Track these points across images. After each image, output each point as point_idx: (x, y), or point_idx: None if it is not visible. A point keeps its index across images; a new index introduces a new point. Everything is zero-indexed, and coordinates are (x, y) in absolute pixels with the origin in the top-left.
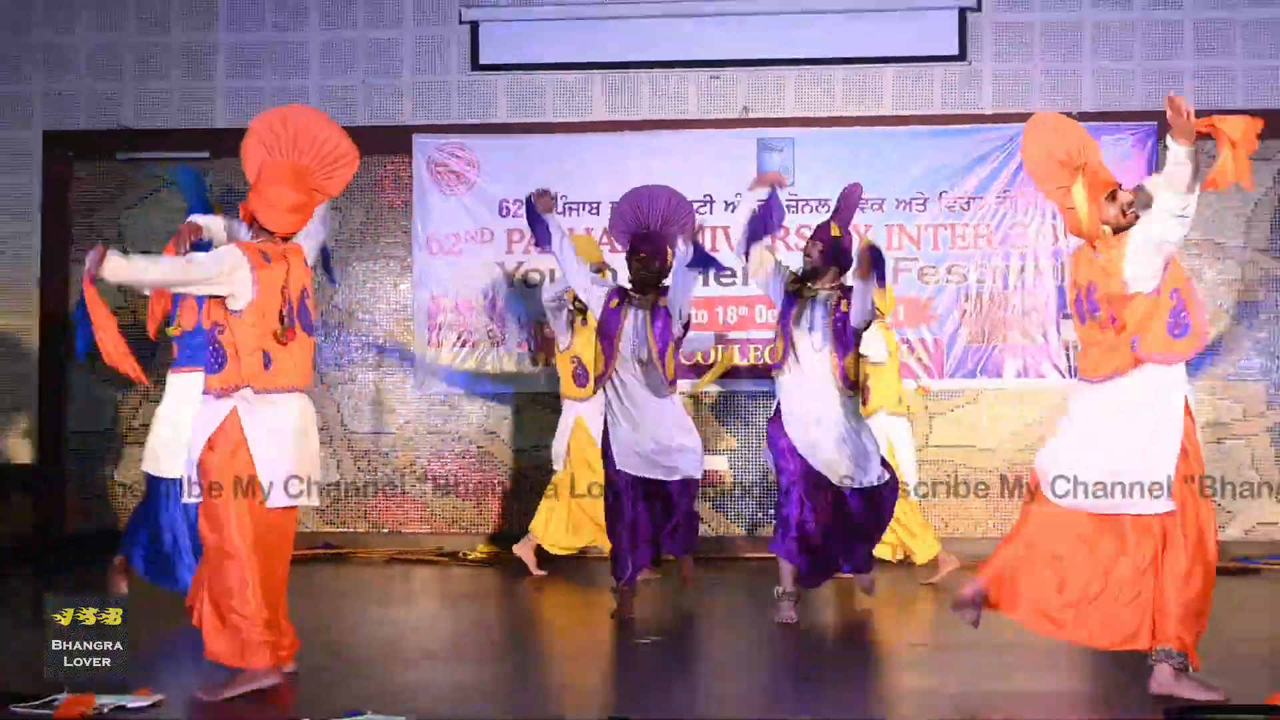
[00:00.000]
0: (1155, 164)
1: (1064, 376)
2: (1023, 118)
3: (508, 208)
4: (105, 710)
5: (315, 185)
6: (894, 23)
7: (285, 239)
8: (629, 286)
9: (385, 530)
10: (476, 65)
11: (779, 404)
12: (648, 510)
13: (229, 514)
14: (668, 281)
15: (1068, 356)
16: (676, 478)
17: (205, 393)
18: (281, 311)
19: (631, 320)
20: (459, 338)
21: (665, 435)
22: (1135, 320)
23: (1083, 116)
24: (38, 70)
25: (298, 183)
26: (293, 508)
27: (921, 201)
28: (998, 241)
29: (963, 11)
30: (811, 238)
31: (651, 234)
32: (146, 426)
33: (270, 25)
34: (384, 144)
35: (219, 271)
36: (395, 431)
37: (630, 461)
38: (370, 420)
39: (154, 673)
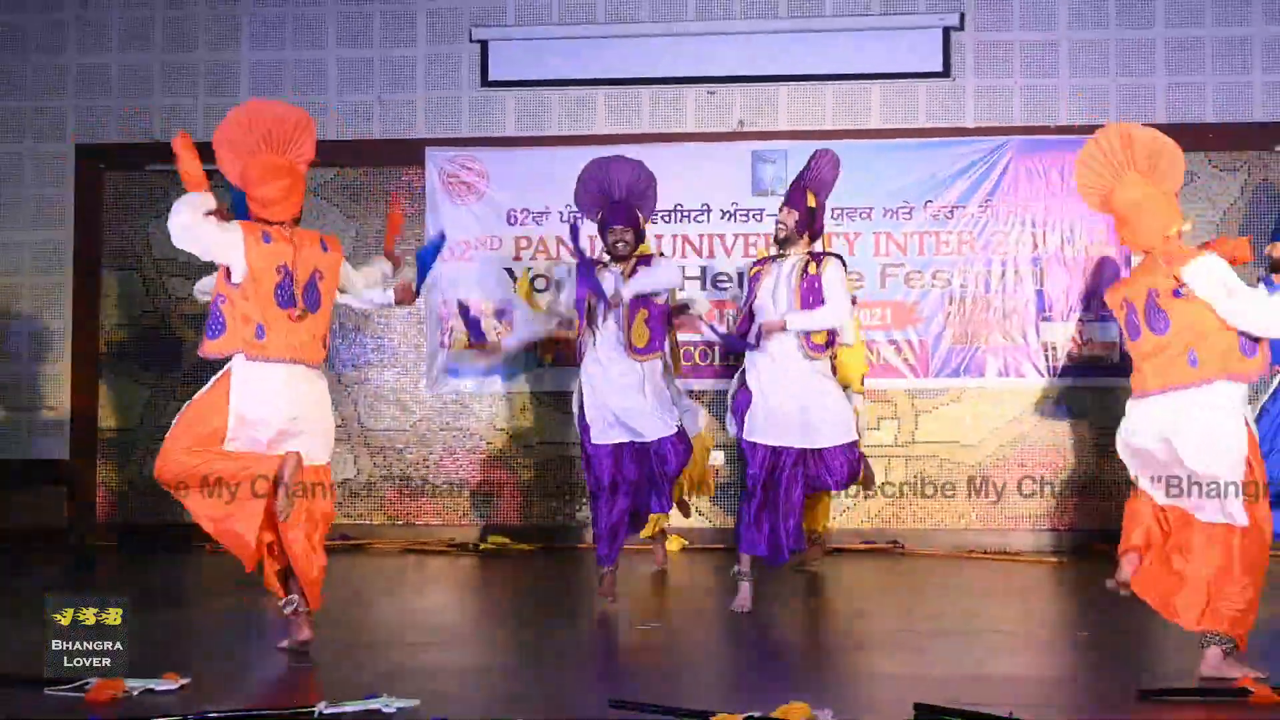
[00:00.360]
0: None
1: (1042, 376)
2: (1003, 131)
3: (515, 216)
4: (134, 694)
5: (292, 161)
6: (881, 41)
7: (296, 222)
8: (605, 258)
9: (400, 523)
10: (486, 81)
11: (742, 372)
12: (624, 487)
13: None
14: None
15: (1046, 357)
16: (642, 440)
17: (202, 354)
18: (277, 286)
19: (612, 282)
20: (470, 340)
21: (633, 396)
22: (1195, 326)
23: (1060, 130)
24: (72, 87)
25: (277, 173)
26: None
27: (908, 210)
28: (980, 248)
29: (946, 31)
30: (788, 204)
31: (620, 203)
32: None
33: (291, 44)
34: (398, 156)
35: (215, 240)
36: (409, 429)
37: (604, 430)
38: (385, 418)
39: (186, 657)
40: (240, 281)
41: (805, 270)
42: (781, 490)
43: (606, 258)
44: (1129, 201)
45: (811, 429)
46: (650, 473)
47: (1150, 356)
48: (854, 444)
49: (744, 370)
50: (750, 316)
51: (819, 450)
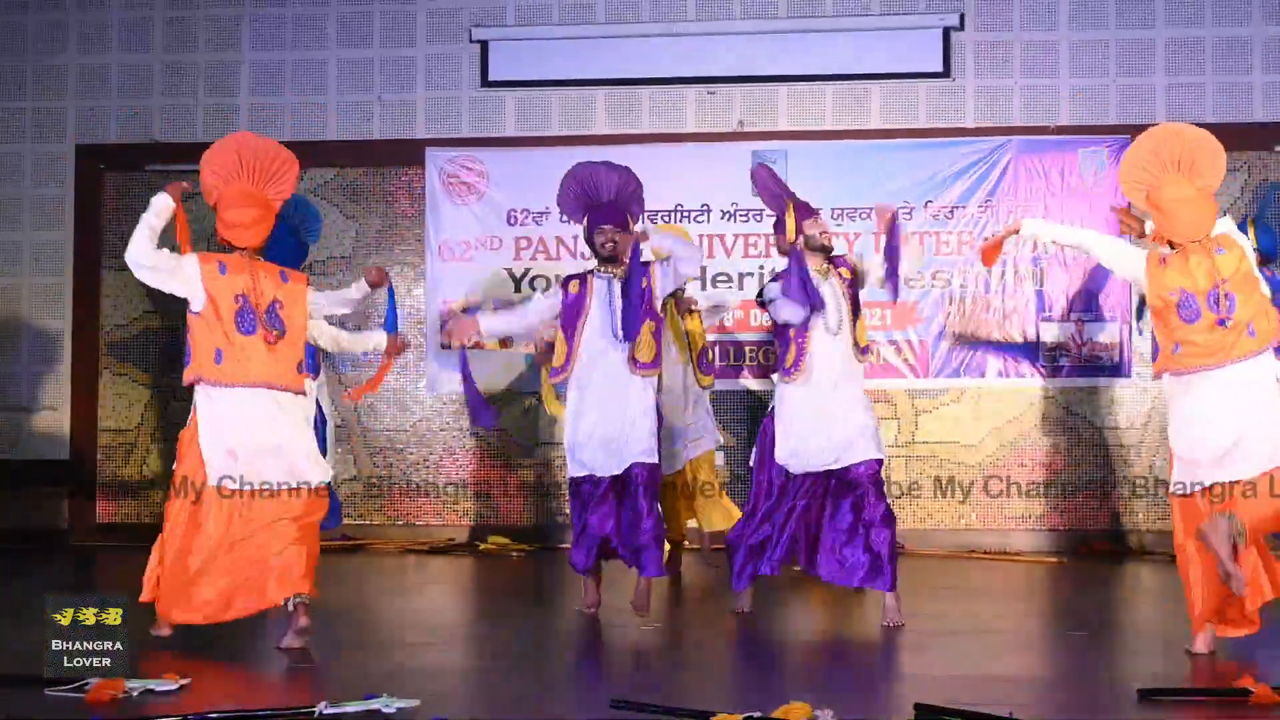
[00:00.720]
0: None
1: (1042, 376)
2: (1003, 131)
3: (515, 217)
4: (134, 694)
5: (269, 195)
6: (881, 41)
7: (257, 252)
8: (590, 267)
9: (400, 523)
10: (486, 82)
11: (774, 411)
12: (610, 516)
13: (174, 506)
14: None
15: (1046, 357)
16: (628, 464)
17: (184, 383)
18: (236, 313)
19: (601, 298)
20: (469, 340)
21: (627, 419)
22: (1253, 304)
23: (1060, 130)
24: (72, 87)
25: (250, 201)
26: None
27: (908, 210)
28: (980, 248)
29: (947, 31)
30: (818, 217)
31: (608, 204)
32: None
33: (291, 44)
34: (398, 156)
35: (172, 271)
36: (409, 429)
37: (594, 459)
38: (385, 418)
39: (186, 657)
40: (200, 310)
41: (840, 276)
42: (788, 517)
43: (593, 263)
44: (1173, 198)
45: (824, 453)
46: (628, 509)
47: (1213, 336)
48: (879, 460)
49: (774, 407)
50: (801, 341)
51: (847, 469)
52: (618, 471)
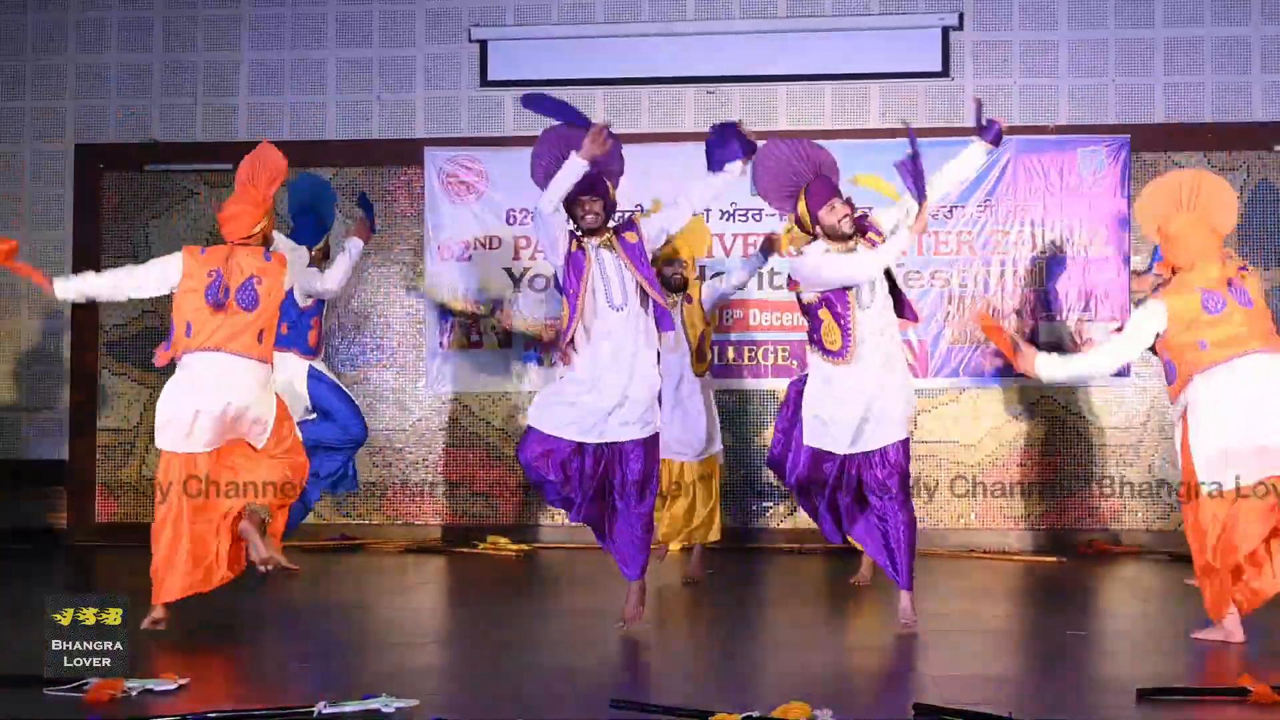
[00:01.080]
0: (1128, 174)
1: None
2: (1002, 131)
3: (515, 216)
4: (134, 694)
5: (262, 195)
6: (881, 41)
7: (244, 241)
8: (578, 232)
9: (399, 522)
10: (485, 81)
11: (805, 391)
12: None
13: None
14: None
15: None
16: (625, 439)
17: (155, 364)
18: (207, 287)
19: (598, 267)
20: (469, 339)
21: (631, 387)
22: (1266, 307)
23: (1059, 130)
24: (71, 87)
25: (239, 200)
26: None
27: (905, 210)
28: (979, 248)
29: (946, 30)
30: (842, 200)
31: (588, 173)
32: None
33: (290, 44)
34: (397, 156)
35: (162, 276)
36: (408, 429)
37: (575, 426)
38: (384, 418)
39: (186, 657)
40: (178, 288)
41: (871, 244)
42: (830, 492)
43: (579, 236)
44: (1182, 223)
45: (869, 433)
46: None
47: (1238, 323)
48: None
49: (805, 378)
50: (847, 321)
51: (877, 452)
52: (610, 440)
